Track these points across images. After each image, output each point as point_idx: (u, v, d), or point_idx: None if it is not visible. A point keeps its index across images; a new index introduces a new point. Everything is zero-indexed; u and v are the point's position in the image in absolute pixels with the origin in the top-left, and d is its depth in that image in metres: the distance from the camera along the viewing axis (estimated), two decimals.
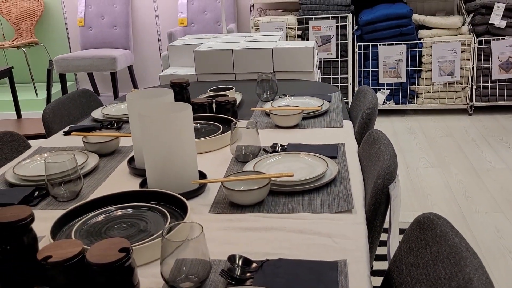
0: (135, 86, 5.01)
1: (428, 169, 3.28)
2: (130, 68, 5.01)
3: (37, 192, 1.34)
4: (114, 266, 0.89)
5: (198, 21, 4.96)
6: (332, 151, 1.53)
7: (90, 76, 5.20)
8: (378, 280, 1.17)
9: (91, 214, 1.18)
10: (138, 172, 1.45)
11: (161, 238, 0.92)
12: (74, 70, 4.55)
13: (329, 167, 1.39)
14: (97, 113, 2.04)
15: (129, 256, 0.91)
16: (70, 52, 5.27)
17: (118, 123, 1.91)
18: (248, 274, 0.96)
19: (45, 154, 1.56)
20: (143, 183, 1.37)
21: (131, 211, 1.19)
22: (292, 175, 1.27)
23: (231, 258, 0.99)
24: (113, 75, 4.67)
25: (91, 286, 0.92)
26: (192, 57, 3.09)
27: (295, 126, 1.82)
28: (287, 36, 4.37)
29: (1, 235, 0.88)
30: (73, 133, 1.62)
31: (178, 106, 1.32)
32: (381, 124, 4.19)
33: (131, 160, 1.52)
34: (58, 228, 1.12)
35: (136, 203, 1.22)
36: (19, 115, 3.37)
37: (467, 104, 4.29)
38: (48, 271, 0.89)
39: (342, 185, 1.31)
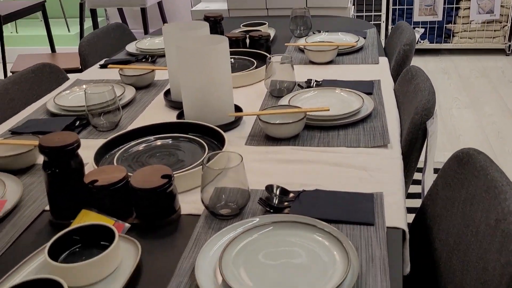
0: (165, 22, 4.96)
1: (461, 110, 3.22)
2: (159, 4, 4.94)
3: (78, 122, 1.37)
4: (157, 191, 0.92)
5: None
6: (368, 87, 1.51)
7: (120, 11, 5.15)
8: (410, 218, 1.19)
9: (131, 143, 1.21)
10: (174, 104, 1.47)
11: (201, 166, 0.94)
12: (104, 5, 4.50)
13: (365, 102, 1.38)
14: (131, 47, 2.04)
15: (171, 182, 0.94)
16: None
17: (152, 57, 1.91)
18: (286, 203, 0.98)
19: (84, 86, 1.58)
20: (180, 115, 1.39)
21: (170, 142, 1.22)
22: (328, 110, 1.27)
23: (269, 188, 1.01)
24: (143, 11, 4.61)
25: (135, 209, 0.96)
26: None
27: (330, 62, 1.79)
28: None
29: (50, 159, 0.92)
30: (109, 66, 1.64)
31: (215, 39, 1.31)
32: (414, 64, 4.08)
33: (167, 93, 1.54)
34: (100, 156, 1.15)
35: (174, 134, 1.24)
36: (53, 49, 3.40)
37: (505, 44, 4.13)
38: (94, 194, 0.93)
39: (378, 121, 1.30)
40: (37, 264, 0.84)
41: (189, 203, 1.01)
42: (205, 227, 0.93)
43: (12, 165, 1.14)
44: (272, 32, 2.18)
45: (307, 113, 1.28)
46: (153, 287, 0.79)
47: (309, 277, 0.77)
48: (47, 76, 1.71)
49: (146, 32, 4.57)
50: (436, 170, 1.29)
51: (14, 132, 1.33)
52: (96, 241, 0.87)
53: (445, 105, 3.31)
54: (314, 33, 2.12)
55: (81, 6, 3.00)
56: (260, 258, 0.82)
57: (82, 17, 2.97)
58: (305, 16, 2.12)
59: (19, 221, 0.98)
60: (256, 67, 1.72)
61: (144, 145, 1.21)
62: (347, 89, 1.44)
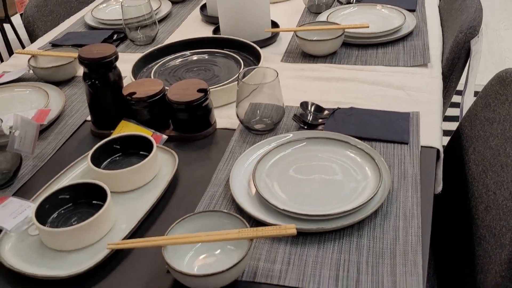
0: None
1: (509, 30, 3.06)
2: None
3: (115, 35, 1.38)
4: (193, 104, 0.94)
5: None
6: (410, 4, 1.45)
7: None
8: (445, 140, 1.17)
9: (168, 58, 1.22)
10: (210, 19, 1.45)
11: (237, 81, 0.95)
12: None
13: (407, 20, 1.32)
14: None
15: (206, 96, 0.95)
16: None
17: None
18: (320, 120, 0.98)
19: None
20: (216, 31, 1.38)
21: (206, 57, 1.22)
22: (368, 27, 1.23)
23: (303, 105, 1.01)
24: None
25: (172, 122, 0.98)
26: None
27: None
28: None
29: (90, 70, 0.93)
30: None
31: None
32: None
33: (203, 8, 1.51)
34: (138, 69, 1.17)
35: (210, 49, 1.24)
36: None
37: None
38: (133, 106, 0.96)
39: (419, 39, 1.26)
40: (80, 170, 0.88)
41: (224, 117, 1.03)
42: (239, 141, 0.95)
43: (53, 76, 1.17)
44: None
45: (346, 30, 1.24)
46: (190, 196, 0.83)
47: (340, 191, 0.79)
48: None
49: None
50: (476, 94, 1.26)
51: (54, 45, 1.35)
52: (135, 150, 0.90)
53: (493, 25, 3.14)
54: None
55: None
56: (292, 172, 0.84)
57: None
58: None
59: (63, 130, 1.02)
60: None
61: (180, 59, 1.22)
62: (389, 6, 1.39)
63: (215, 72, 1.16)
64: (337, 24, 1.26)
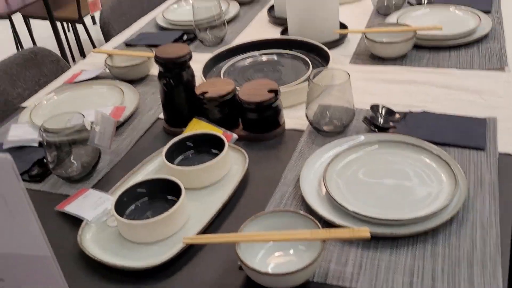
0: None
1: None
2: None
3: (185, 36, 1.42)
4: (263, 104, 0.95)
5: None
6: (486, 5, 1.40)
7: None
8: None
9: (237, 58, 1.24)
10: (278, 21, 1.46)
11: (307, 82, 0.95)
12: None
13: (482, 21, 1.28)
14: None
15: (277, 97, 0.96)
16: None
17: None
18: (391, 123, 0.97)
19: (190, 1, 1.61)
20: (283, 32, 1.38)
21: (275, 58, 1.23)
22: (441, 29, 1.20)
23: (374, 108, 1.00)
24: None
25: (242, 121, 1.00)
26: None
27: None
28: None
29: (165, 69, 0.96)
30: None
31: None
32: None
33: (270, 9, 1.53)
34: (208, 69, 1.19)
35: (279, 50, 1.25)
36: None
37: None
38: (205, 105, 0.98)
39: (495, 42, 1.21)
40: (154, 167, 0.91)
41: (293, 118, 1.03)
42: (308, 142, 0.95)
43: (128, 75, 1.21)
44: None
45: (417, 32, 1.22)
46: (259, 194, 0.84)
47: (414, 197, 0.78)
48: None
49: None
50: None
51: (128, 44, 1.41)
52: (207, 148, 0.92)
53: None
54: None
55: None
56: (364, 174, 0.83)
57: None
58: None
59: (137, 127, 1.06)
60: None
61: (249, 60, 1.23)
62: (462, 7, 1.35)
63: (284, 73, 1.17)
64: (408, 26, 1.23)
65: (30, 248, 0.50)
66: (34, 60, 1.30)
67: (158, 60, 0.95)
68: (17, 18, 3.13)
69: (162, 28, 1.51)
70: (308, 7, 1.24)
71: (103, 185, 0.90)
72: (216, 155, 0.87)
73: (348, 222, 0.74)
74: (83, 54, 3.14)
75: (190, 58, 0.97)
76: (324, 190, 0.81)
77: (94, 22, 3.86)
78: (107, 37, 1.56)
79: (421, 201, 0.77)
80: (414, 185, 0.80)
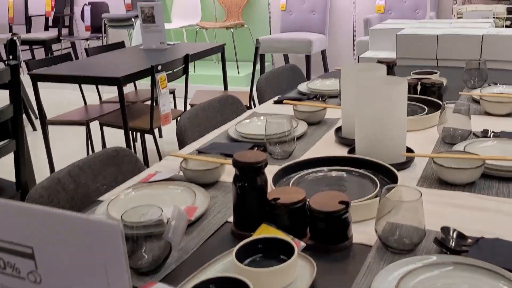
0: (326, 70, 5.13)
1: None
2: (323, 52, 5.14)
3: (255, 148, 1.48)
4: (334, 215, 0.96)
5: (395, 8, 4.86)
6: None
7: (285, 57, 5.47)
8: None
9: (306, 171, 1.28)
10: (345, 141, 1.51)
11: (379, 197, 0.96)
12: (273, 51, 4.85)
13: None
14: (302, 87, 2.16)
15: (347, 208, 0.97)
16: (270, 34, 5.60)
17: (322, 97, 2.00)
18: (463, 247, 0.95)
19: (261, 117, 1.71)
20: (350, 152, 1.43)
21: (344, 175, 1.26)
22: (511, 159, 1.21)
23: (445, 230, 0.99)
24: (308, 58, 4.85)
25: (310, 230, 1.00)
26: (392, 41, 3.05)
27: (509, 115, 1.70)
28: (494, 26, 4.04)
29: (241, 173, 1.01)
30: (285, 101, 1.75)
31: (394, 80, 1.34)
32: None
33: (337, 130, 1.59)
34: (277, 179, 1.23)
35: (347, 167, 1.28)
36: (226, 87, 3.72)
37: None
38: (276, 211, 1.00)
39: None
40: (222, 267, 0.92)
41: (360, 233, 1.03)
42: (377, 258, 0.94)
43: (201, 178, 1.27)
44: (443, 81, 2.14)
45: (486, 161, 1.23)
46: None
47: None
48: (229, 107, 1.89)
49: (308, 78, 4.77)
50: None
51: (201, 152, 1.48)
52: (275, 253, 0.92)
53: None
54: (489, 85, 2.03)
55: (256, 50, 3.27)
56: None
57: (256, 59, 3.22)
58: (480, 68, 2.06)
59: (206, 227, 1.08)
60: (427, 113, 1.70)
61: (317, 174, 1.27)
62: None
63: (350, 189, 1.19)
64: (476, 154, 1.25)
65: None
66: (115, 158, 1.40)
67: (236, 163, 1.00)
68: (93, 125, 3.38)
69: (233, 140, 1.59)
70: (378, 127, 1.30)
71: (170, 280, 0.91)
72: (284, 261, 0.87)
73: None
74: (146, 164, 3.30)
75: (266, 164, 1.02)
76: None
77: (160, 135, 4.10)
78: (182, 144, 1.66)
79: None
80: None
